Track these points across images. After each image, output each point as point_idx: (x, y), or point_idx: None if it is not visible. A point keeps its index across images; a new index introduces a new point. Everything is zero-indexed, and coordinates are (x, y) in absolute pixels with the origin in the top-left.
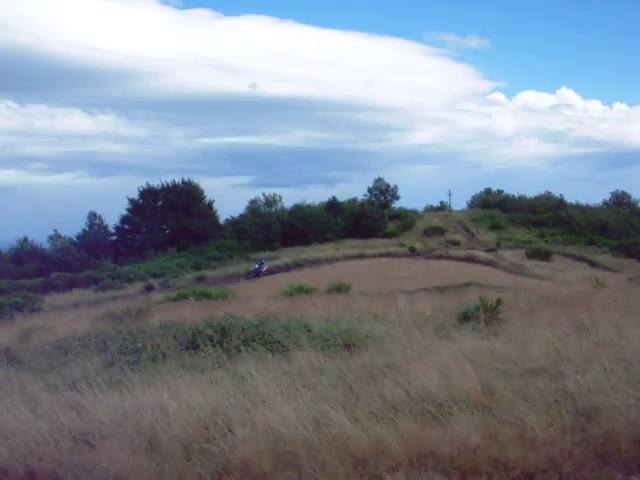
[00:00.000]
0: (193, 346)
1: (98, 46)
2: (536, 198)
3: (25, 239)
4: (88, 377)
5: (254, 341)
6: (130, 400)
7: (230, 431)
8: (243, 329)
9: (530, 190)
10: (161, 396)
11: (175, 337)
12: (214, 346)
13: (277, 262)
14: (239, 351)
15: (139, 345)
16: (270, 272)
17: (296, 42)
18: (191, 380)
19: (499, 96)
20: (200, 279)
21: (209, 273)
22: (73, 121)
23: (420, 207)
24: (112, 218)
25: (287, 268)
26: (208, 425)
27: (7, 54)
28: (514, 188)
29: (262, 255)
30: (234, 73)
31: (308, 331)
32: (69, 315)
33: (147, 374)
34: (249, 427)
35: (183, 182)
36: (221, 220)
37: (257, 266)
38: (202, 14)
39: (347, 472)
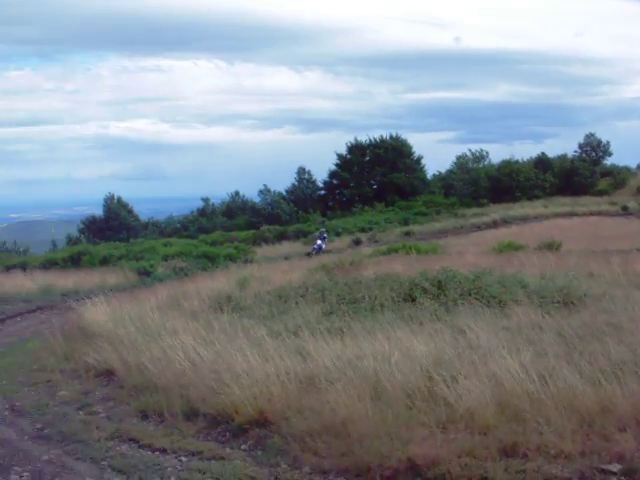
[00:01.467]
0: (410, 298)
1: (303, 4)
2: None
3: (237, 193)
4: (309, 325)
5: (470, 295)
6: (352, 348)
7: (454, 381)
8: (459, 283)
9: None
10: (382, 345)
11: (392, 289)
12: (431, 299)
13: (484, 219)
14: (456, 305)
15: (357, 295)
16: (477, 228)
17: None
18: (410, 332)
19: None
20: (407, 234)
21: (416, 228)
22: (280, 79)
23: (633, 164)
24: (320, 173)
25: (494, 225)
26: (432, 375)
27: (216, 16)
28: None
29: (330, 229)
30: (438, 27)
31: (524, 287)
32: (281, 266)
33: (366, 323)
34: (473, 378)
35: (391, 137)
36: (428, 176)
37: (319, 242)
38: None
39: (573, 429)
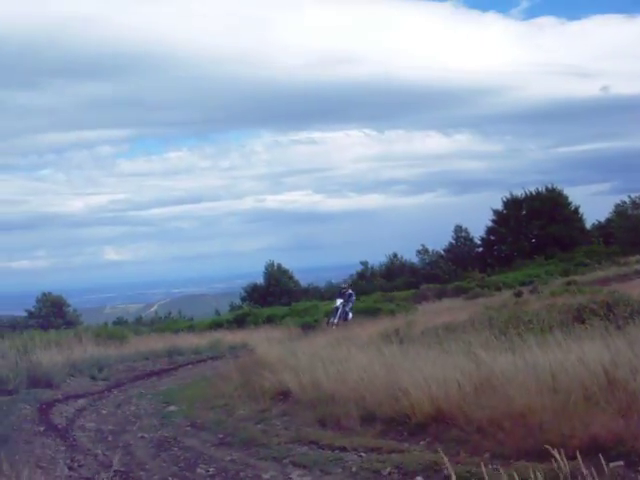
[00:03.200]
0: (579, 320)
1: (449, 67)
2: None
3: (394, 255)
4: (480, 345)
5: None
6: (525, 357)
7: (634, 373)
8: (628, 303)
9: None
10: (555, 354)
11: (560, 312)
12: (600, 319)
13: None
14: (627, 323)
15: (526, 319)
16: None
17: None
18: (582, 344)
19: None
20: (569, 284)
21: (578, 278)
22: (430, 143)
23: None
24: (476, 231)
25: None
26: (607, 371)
27: (363, 85)
28: None
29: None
30: (584, 78)
31: None
32: (443, 314)
33: (537, 341)
34: None
35: (546, 189)
36: (587, 226)
37: (339, 302)
38: (546, 22)
39: None
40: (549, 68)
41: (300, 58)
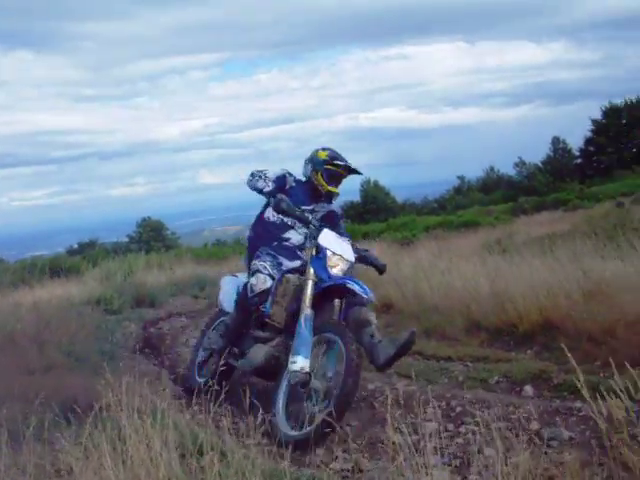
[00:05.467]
0: None
1: None
2: None
3: (491, 168)
4: (584, 253)
5: None
6: (635, 264)
7: None
8: None
9: None
10: None
11: None
12: None
13: None
14: None
15: (632, 227)
16: None
17: None
18: None
19: None
20: None
21: None
22: (524, 53)
23: None
24: (574, 142)
25: None
26: None
27: None
28: None
29: None
30: None
31: None
32: (544, 225)
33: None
34: None
35: None
36: None
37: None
38: None
39: None
40: None
41: None
